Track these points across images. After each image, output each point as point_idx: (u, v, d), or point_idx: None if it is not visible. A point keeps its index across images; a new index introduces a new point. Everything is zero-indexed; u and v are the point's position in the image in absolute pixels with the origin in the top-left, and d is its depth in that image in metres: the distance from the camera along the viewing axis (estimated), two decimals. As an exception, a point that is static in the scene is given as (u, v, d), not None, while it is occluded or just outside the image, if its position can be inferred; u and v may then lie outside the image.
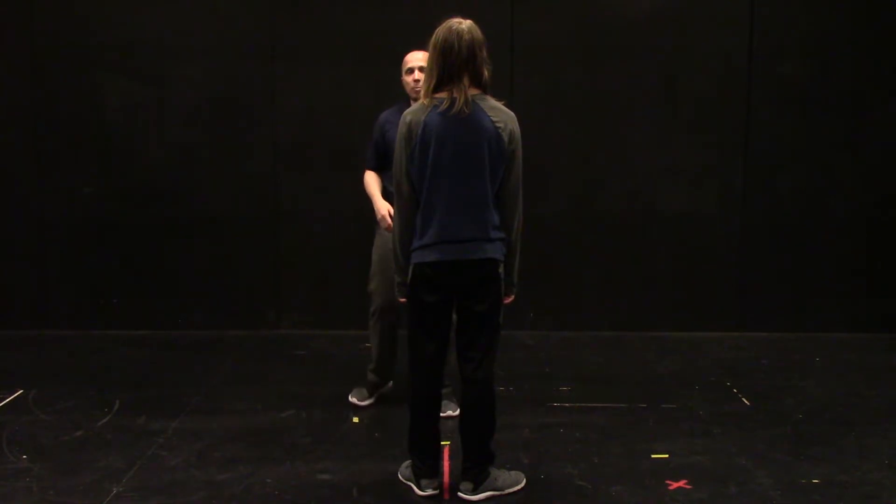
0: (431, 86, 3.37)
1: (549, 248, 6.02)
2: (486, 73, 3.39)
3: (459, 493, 3.62)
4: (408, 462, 3.75)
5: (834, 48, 5.98)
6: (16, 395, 4.82)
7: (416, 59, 4.37)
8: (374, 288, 4.58)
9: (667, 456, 4.03)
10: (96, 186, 6.08)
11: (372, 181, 4.53)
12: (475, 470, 3.61)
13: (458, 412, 4.05)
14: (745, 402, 4.79)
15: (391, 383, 4.81)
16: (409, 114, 3.43)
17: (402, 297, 3.60)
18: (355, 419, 4.47)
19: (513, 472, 3.75)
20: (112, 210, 6.09)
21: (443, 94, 3.37)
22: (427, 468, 3.64)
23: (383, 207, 4.40)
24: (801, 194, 6.10)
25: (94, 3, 5.97)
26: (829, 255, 6.12)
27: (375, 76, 5.78)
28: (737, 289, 6.16)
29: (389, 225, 4.31)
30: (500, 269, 3.50)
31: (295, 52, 5.97)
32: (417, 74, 4.30)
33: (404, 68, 4.45)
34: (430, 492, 3.64)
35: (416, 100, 4.17)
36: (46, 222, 6.11)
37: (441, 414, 3.91)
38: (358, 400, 4.69)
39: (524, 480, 3.73)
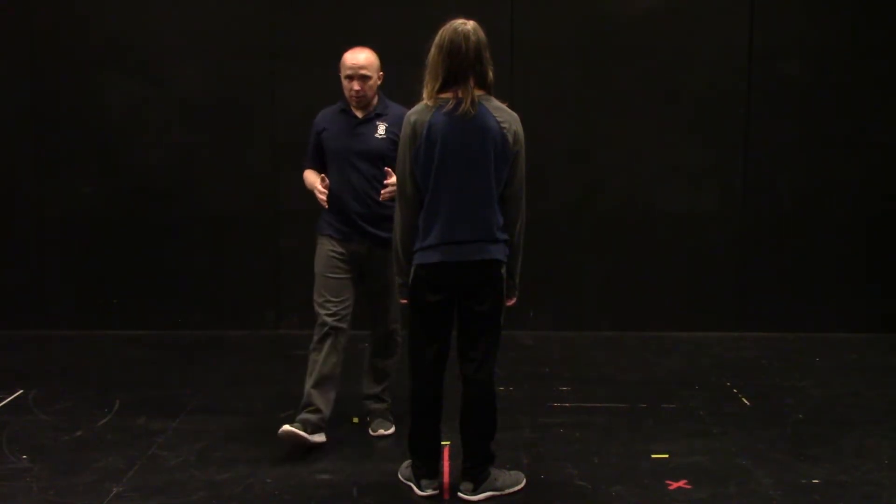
0: (436, 87, 3.37)
1: (550, 248, 6.02)
2: (490, 74, 3.39)
3: (459, 494, 3.62)
4: (408, 462, 3.75)
5: (834, 48, 5.98)
6: (16, 395, 4.82)
7: (358, 66, 4.04)
8: (320, 302, 4.11)
9: (667, 456, 4.03)
10: (96, 186, 6.08)
11: (311, 174, 4.21)
12: (475, 470, 3.61)
13: (391, 430, 4.15)
14: (745, 402, 4.79)
15: (356, 419, 4.34)
16: (413, 114, 3.42)
17: (404, 299, 3.60)
18: (355, 419, 4.46)
19: (513, 472, 3.75)
20: (112, 210, 6.09)
21: (447, 95, 3.36)
22: (427, 468, 3.64)
23: (317, 180, 4.07)
24: (801, 194, 6.10)
25: (94, 3, 5.96)
26: (829, 255, 6.12)
27: (375, 76, 5.79)
28: (737, 289, 6.16)
29: (323, 199, 4.01)
30: (503, 270, 3.50)
31: (295, 52, 5.97)
32: (357, 85, 4.03)
33: (343, 73, 4.10)
34: (430, 492, 3.63)
35: (355, 106, 4.10)
36: (46, 222, 6.11)
37: (371, 433, 3.98)
38: (297, 430, 3.97)
39: (524, 480, 3.73)
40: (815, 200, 6.10)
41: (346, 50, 4.12)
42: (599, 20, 5.97)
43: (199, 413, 4.58)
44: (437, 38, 3.36)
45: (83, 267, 6.14)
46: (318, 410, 4.03)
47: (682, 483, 3.75)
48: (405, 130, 3.43)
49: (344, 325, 4.09)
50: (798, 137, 6.04)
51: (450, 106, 3.34)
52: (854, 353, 5.74)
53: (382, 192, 3.96)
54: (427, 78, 3.40)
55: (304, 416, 4.02)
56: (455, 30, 3.34)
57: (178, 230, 6.10)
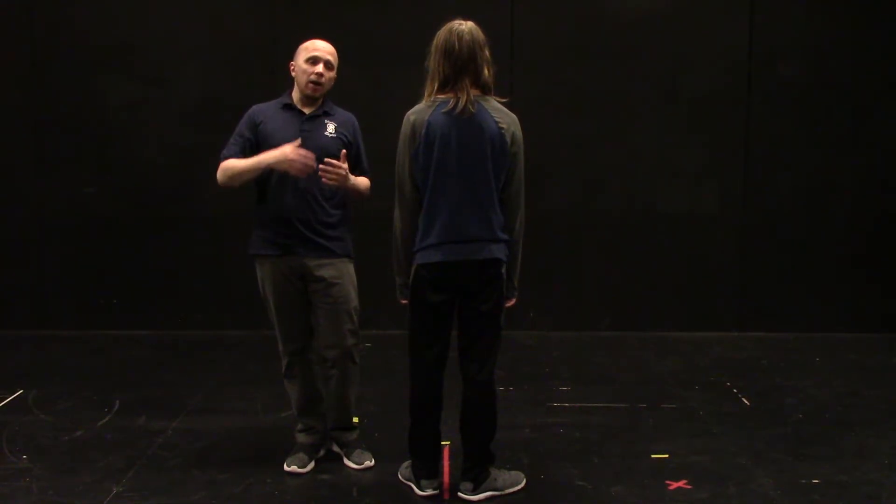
0: (435, 88, 3.37)
1: (549, 248, 6.02)
2: (486, 73, 3.38)
3: (459, 493, 3.62)
4: (408, 462, 3.75)
5: (834, 48, 5.99)
6: (16, 395, 4.82)
7: (326, 50, 3.73)
8: (279, 338, 3.88)
9: (667, 456, 4.03)
10: (96, 186, 6.08)
11: (234, 162, 3.75)
12: (475, 470, 3.61)
13: (372, 463, 3.89)
14: (745, 402, 4.79)
15: (334, 445, 4.03)
16: (413, 113, 3.42)
17: (404, 299, 3.60)
18: (355, 419, 4.46)
19: (513, 472, 3.75)
20: (112, 210, 6.09)
21: (446, 95, 3.37)
22: (427, 468, 3.64)
23: (282, 147, 3.57)
24: (801, 194, 6.10)
25: (94, 3, 5.97)
26: (829, 255, 6.12)
27: (376, 76, 5.79)
28: (737, 289, 6.16)
29: (304, 164, 3.53)
30: (504, 270, 3.50)
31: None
32: (322, 69, 3.71)
33: (305, 55, 3.72)
34: (430, 492, 3.63)
35: (308, 96, 3.75)
36: (46, 222, 6.12)
37: (355, 465, 3.87)
38: (298, 467, 3.83)
39: (524, 480, 3.73)
40: (815, 200, 6.11)
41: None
42: (599, 20, 5.98)
43: (199, 413, 4.58)
44: (434, 41, 3.37)
45: (83, 267, 6.14)
46: (312, 429, 3.97)
47: (682, 483, 3.75)
48: (405, 129, 3.42)
49: (307, 350, 3.89)
50: (798, 137, 6.05)
51: (449, 106, 3.34)
52: (854, 353, 5.75)
53: (326, 174, 3.53)
54: (427, 80, 3.42)
55: (302, 439, 3.96)
56: (450, 30, 3.35)
57: (179, 230, 6.10)
